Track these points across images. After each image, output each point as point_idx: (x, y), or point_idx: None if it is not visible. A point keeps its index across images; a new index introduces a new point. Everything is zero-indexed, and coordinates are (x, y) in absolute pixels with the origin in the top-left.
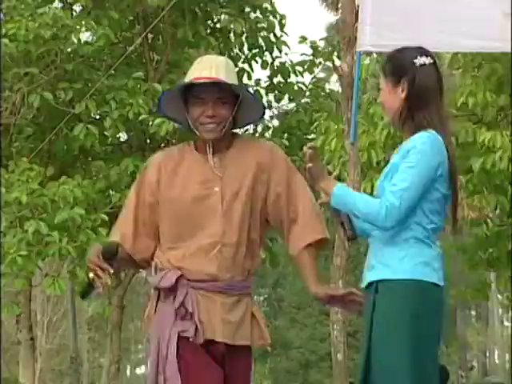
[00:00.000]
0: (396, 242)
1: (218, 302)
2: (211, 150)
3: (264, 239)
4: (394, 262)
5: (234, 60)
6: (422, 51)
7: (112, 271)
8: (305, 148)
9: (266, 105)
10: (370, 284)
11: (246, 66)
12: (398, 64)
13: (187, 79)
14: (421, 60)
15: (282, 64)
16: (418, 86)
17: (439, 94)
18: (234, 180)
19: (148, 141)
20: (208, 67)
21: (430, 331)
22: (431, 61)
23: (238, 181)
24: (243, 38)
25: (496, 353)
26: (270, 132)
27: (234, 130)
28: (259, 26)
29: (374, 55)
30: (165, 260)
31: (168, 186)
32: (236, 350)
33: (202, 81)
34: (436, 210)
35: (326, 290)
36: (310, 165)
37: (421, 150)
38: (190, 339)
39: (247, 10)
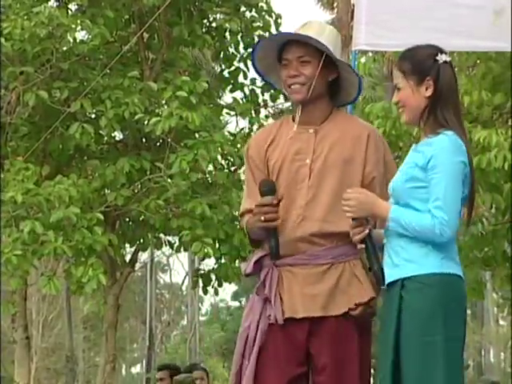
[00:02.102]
0: (418, 240)
1: (299, 276)
2: (300, 113)
3: None
4: (420, 258)
5: (230, 59)
6: (439, 48)
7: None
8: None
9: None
10: (392, 282)
11: (241, 65)
12: (421, 62)
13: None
14: (442, 57)
15: None
16: (443, 84)
17: (458, 92)
18: (327, 155)
19: (144, 140)
20: (301, 26)
21: (460, 323)
22: (449, 58)
23: (331, 156)
24: (239, 37)
25: (491, 352)
26: None
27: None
28: (255, 25)
29: (370, 54)
30: None
31: (269, 159)
32: (325, 323)
33: (279, 36)
34: (460, 210)
35: None
36: (358, 194)
37: (445, 155)
38: (271, 321)
39: (243, 9)
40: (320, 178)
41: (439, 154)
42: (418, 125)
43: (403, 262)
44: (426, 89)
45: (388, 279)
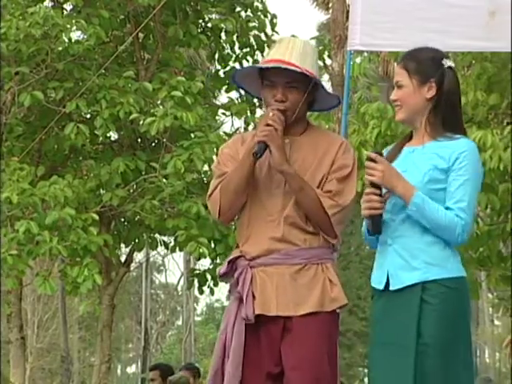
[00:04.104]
0: (440, 242)
1: (273, 275)
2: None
3: None
4: (444, 261)
5: (225, 59)
6: (444, 54)
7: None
8: (368, 153)
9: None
10: (408, 286)
11: (237, 65)
12: (427, 63)
13: (265, 58)
14: (447, 62)
15: None
16: (448, 89)
17: (460, 98)
18: (300, 166)
19: (139, 140)
20: (283, 50)
21: (470, 324)
22: (453, 64)
23: (303, 168)
24: (234, 37)
25: (486, 352)
26: None
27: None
28: (250, 25)
29: (365, 54)
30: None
31: None
32: (297, 322)
33: (271, 64)
34: None
35: None
36: (381, 167)
37: (472, 159)
38: (243, 317)
39: (238, 9)
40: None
41: (467, 157)
42: (411, 124)
43: (424, 264)
44: (428, 90)
45: (404, 283)
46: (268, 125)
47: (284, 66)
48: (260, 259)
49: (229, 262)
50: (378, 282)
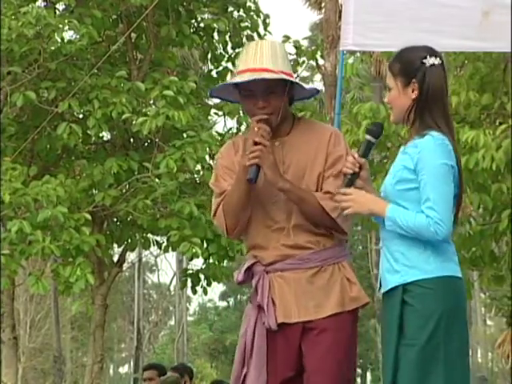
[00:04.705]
0: (419, 244)
1: (290, 280)
2: (270, 134)
3: None
4: (421, 263)
5: (218, 59)
6: (431, 51)
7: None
8: (350, 158)
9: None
10: (392, 288)
11: (229, 65)
12: (408, 64)
13: (237, 68)
14: (430, 60)
15: None
16: (428, 87)
17: (446, 95)
18: (295, 166)
19: (131, 140)
20: (252, 57)
21: (462, 323)
22: (440, 61)
23: (299, 167)
24: (227, 37)
25: (479, 352)
26: None
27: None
28: (243, 25)
29: (358, 54)
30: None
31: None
32: (317, 325)
33: (246, 78)
34: (452, 209)
35: None
36: (351, 196)
37: (427, 156)
38: (266, 327)
39: (231, 8)
40: None
41: (424, 156)
42: (404, 125)
43: (404, 267)
44: (412, 91)
45: (388, 285)
46: (255, 143)
47: (259, 76)
48: (276, 265)
49: (245, 270)
50: (380, 285)
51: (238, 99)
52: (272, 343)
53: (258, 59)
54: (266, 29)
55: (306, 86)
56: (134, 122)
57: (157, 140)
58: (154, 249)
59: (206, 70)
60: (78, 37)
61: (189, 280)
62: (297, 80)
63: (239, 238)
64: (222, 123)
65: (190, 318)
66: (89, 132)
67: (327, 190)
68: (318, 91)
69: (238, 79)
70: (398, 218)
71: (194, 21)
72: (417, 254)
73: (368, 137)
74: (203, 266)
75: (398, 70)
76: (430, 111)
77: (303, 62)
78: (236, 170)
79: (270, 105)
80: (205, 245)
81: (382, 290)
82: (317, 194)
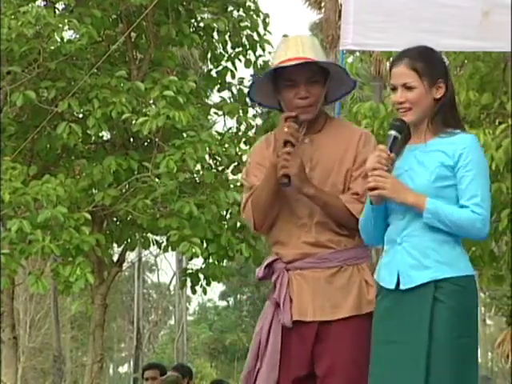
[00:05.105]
0: (450, 241)
1: (309, 279)
2: (304, 130)
3: None
4: (454, 260)
5: (218, 58)
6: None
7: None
8: (384, 154)
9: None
10: (421, 285)
11: (229, 65)
12: (435, 64)
13: (274, 61)
14: (446, 61)
15: (266, 62)
16: (452, 88)
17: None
18: (323, 164)
19: (131, 139)
20: (293, 47)
21: (478, 323)
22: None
23: (327, 165)
24: (227, 37)
25: (479, 351)
26: (254, 130)
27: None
28: (242, 24)
29: (357, 54)
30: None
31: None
32: (333, 326)
33: (292, 62)
34: None
35: None
36: (389, 180)
37: (476, 153)
38: (282, 323)
39: (230, 8)
40: (320, 186)
41: (470, 152)
42: (417, 124)
43: (436, 263)
44: (437, 90)
45: (415, 281)
46: (285, 142)
47: (306, 61)
48: (296, 263)
49: (266, 267)
50: (388, 282)
51: (272, 101)
52: (286, 341)
53: (301, 50)
54: (265, 28)
55: (346, 77)
56: (133, 122)
57: (156, 140)
58: (153, 248)
59: (205, 70)
60: (77, 36)
61: (188, 280)
62: (340, 69)
63: (266, 233)
64: (221, 123)
65: (189, 318)
66: (88, 132)
67: (355, 191)
68: (354, 85)
69: (284, 64)
70: (441, 210)
71: (193, 20)
72: (449, 251)
73: (393, 132)
74: (203, 266)
75: (423, 69)
76: (452, 111)
77: None
78: (267, 165)
79: (311, 94)
80: (204, 244)
81: (403, 287)
82: (343, 196)
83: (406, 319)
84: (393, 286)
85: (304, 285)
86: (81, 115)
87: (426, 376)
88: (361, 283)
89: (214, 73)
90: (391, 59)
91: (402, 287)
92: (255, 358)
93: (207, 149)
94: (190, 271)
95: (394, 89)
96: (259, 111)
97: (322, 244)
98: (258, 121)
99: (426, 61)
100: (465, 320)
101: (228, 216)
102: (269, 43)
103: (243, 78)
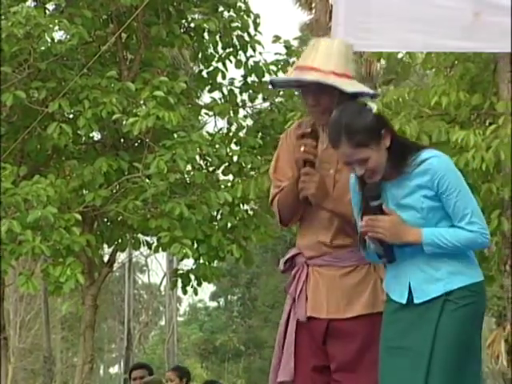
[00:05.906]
0: (460, 252)
1: (325, 277)
2: (324, 134)
3: None
4: (466, 269)
5: (208, 59)
6: (363, 100)
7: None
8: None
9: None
10: (433, 298)
11: (220, 65)
12: (369, 125)
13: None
14: (372, 105)
15: (256, 63)
16: (391, 126)
17: None
18: (345, 184)
19: (121, 140)
20: (311, 53)
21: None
22: (375, 105)
23: (347, 186)
24: (217, 37)
25: None
26: (244, 131)
27: None
28: (233, 25)
29: None
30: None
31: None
32: (344, 324)
33: (292, 76)
34: None
35: None
36: (385, 223)
37: (448, 173)
38: (296, 319)
39: (221, 9)
40: (343, 190)
41: (445, 175)
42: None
43: (448, 275)
44: (384, 139)
45: (430, 295)
46: (305, 162)
47: (299, 77)
48: (314, 260)
49: (287, 261)
50: (398, 296)
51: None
52: (300, 335)
53: (312, 57)
54: (256, 29)
55: (350, 90)
56: (124, 123)
57: (147, 140)
58: (144, 249)
59: (196, 70)
60: (68, 37)
61: (179, 280)
62: (351, 81)
63: (292, 226)
64: (212, 123)
65: (180, 319)
66: (79, 132)
67: None
68: (374, 95)
69: (286, 75)
70: (438, 240)
71: (184, 21)
72: (461, 260)
73: (375, 203)
74: (193, 267)
75: (364, 138)
76: (404, 144)
77: (293, 62)
78: (294, 158)
79: (320, 104)
80: (195, 245)
81: (416, 301)
82: None
83: (417, 329)
84: (404, 301)
85: (320, 281)
86: (71, 115)
87: (426, 376)
88: (376, 282)
89: (204, 73)
90: (330, 139)
91: (416, 301)
92: (281, 348)
93: (198, 149)
94: (181, 272)
95: (350, 164)
96: (250, 112)
97: (336, 244)
98: (249, 121)
99: (361, 129)
100: (471, 323)
101: (219, 217)
102: (259, 44)
103: (234, 79)
